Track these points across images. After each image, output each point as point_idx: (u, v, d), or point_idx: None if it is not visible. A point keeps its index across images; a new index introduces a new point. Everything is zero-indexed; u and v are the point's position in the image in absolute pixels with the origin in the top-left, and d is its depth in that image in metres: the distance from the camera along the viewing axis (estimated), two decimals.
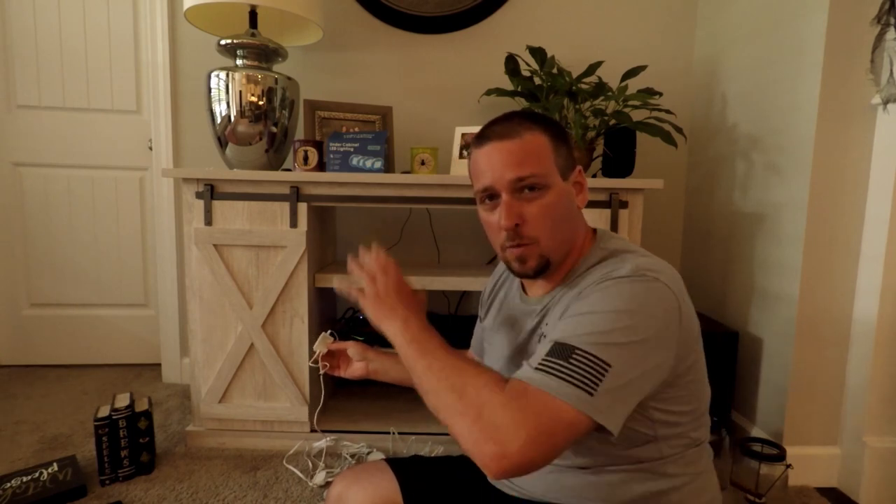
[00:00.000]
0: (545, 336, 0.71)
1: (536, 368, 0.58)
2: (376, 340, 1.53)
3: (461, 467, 0.86)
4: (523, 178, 0.68)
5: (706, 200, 1.78)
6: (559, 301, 0.72)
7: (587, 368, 0.57)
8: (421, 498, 0.78)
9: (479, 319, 0.97)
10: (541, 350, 0.61)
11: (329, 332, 1.01)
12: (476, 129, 1.46)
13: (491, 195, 0.71)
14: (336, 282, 0.83)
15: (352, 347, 0.99)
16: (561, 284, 0.74)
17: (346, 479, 0.81)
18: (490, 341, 0.87)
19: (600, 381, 0.56)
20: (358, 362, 0.99)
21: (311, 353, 0.98)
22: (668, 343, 0.62)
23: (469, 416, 0.56)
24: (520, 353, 0.77)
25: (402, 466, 0.82)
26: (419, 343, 0.65)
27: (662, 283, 0.63)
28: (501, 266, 0.92)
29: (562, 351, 0.58)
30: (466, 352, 1.05)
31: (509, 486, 0.78)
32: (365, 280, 0.73)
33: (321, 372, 0.99)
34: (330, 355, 0.99)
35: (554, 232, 0.70)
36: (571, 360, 0.57)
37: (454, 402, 0.58)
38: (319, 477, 1.31)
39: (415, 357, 0.64)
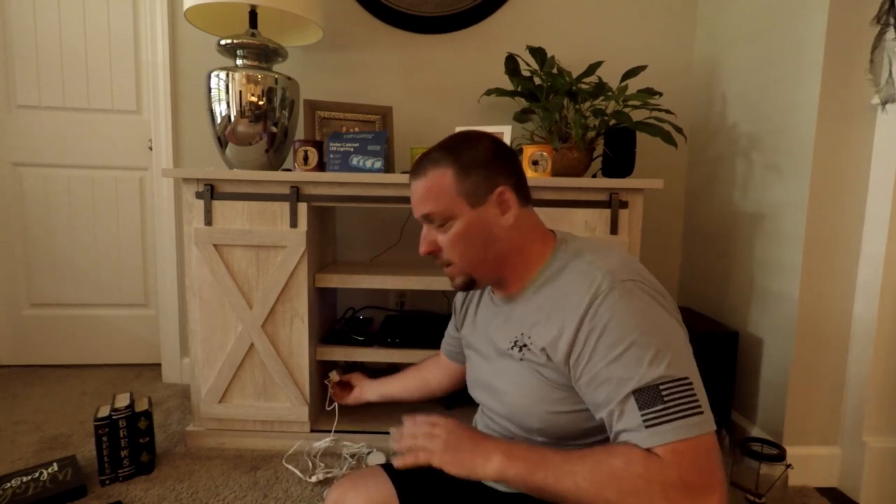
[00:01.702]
0: (530, 339, 0.73)
1: (649, 426, 0.59)
2: (376, 340, 1.54)
3: None
4: (427, 215, 0.76)
5: (706, 200, 1.78)
6: (534, 304, 0.75)
7: (680, 394, 0.60)
8: (417, 501, 0.79)
9: (454, 327, 1.02)
10: (628, 410, 0.61)
11: (340, 369, 1.23)
12: (477, 129, 1.46)
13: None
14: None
15: (356, 378, 1.18)
16: (527, 287, 0.77)
17: (343, 485, 0.82)
18: (470, 347, 0.89)
19: (695, 396, 0.60)
20: (356, 388, 1.17)
21: (327, 378, 1.21)
22: (681, 326, 0.68)
23: None
24: (496, 351, 0.80)
25: (397, 471, 0.83)
26: (539, 464, 0.62)
27: (639, 282, 0.68)
28: None
29: (650, 396, 0.60)
30: (438, 353, 1.10)
31: (505, 485, 0.78)
32: (421, 441, 0.69)
33: (330, 392, 1.20)
34: (341, 386, 1.19)
35: (466, 255, 0.76)
36: (665, 398, 0.59)
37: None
38: (319, 475, 1.31)
39: (553, 480, 0.61)
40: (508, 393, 0.76)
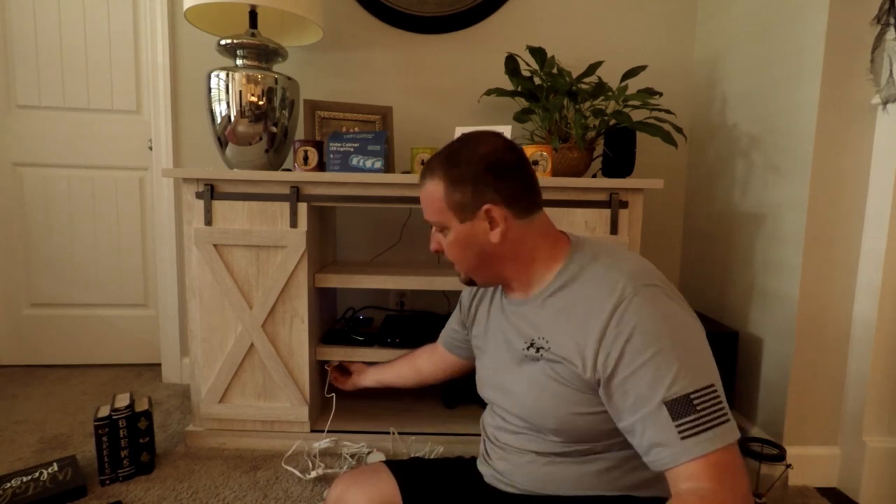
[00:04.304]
0: (547, 342, 0.73)
1: (685, 437, 0.59)
2: (376, 340, 1.54)
3: (459, 468, 0.87)
4: (429, 221, 0.80)
5: (706, 200, 1.78)
6: (551, 308, 0.74)
7: (710, 402, 0.60)
8: (420, 498, 0.79)
9: (457, 321, 1.02)
10: (661, 421, 0.61)
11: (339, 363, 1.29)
12: (477, 129, 1.46)
13: None
14: None
15: (355, 365, 1.23)
16: (543, 291, 0.76)
17: (345, 482, 0.81)
18: (481, 348, 0.89)
19: (722, 402, 0.61)
20: (353, 374, 1.21)
21: (328, 364, 1.26)
22: (701, 326, 0.69)
23: None
24: (511, 353, 0.79)
25: (400, 468, 0.83)
26: None
27: (661, 287, 0.68)
28: None
29: (682, 406, 0.60)
30: (435, 345, 1.11)
31: (505, 483, 0.78)
32: None
33: (329, 377, 1.24)
34: (340, 371, 1.23)
35: (462, 262, 0.80)
36: (698, 408, 0.60)
37: None
38: (316, 472, 1.31)
39: None
40: (524, 395, 0.75)
